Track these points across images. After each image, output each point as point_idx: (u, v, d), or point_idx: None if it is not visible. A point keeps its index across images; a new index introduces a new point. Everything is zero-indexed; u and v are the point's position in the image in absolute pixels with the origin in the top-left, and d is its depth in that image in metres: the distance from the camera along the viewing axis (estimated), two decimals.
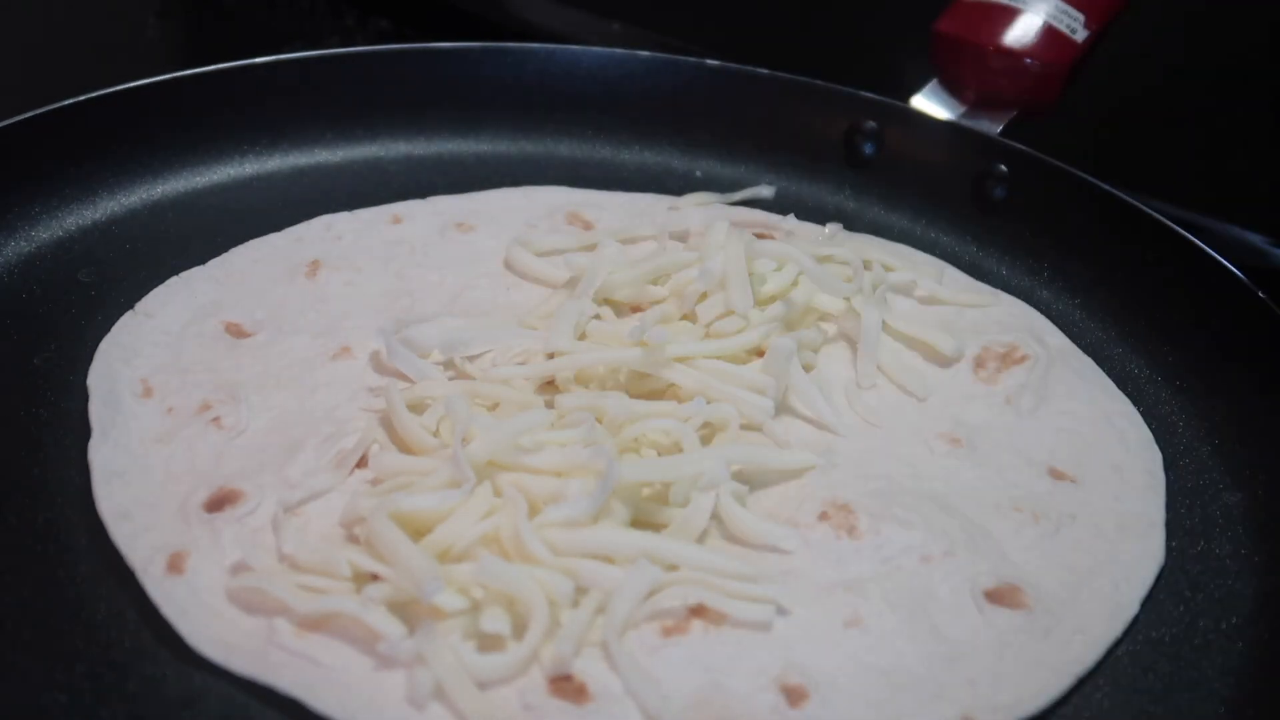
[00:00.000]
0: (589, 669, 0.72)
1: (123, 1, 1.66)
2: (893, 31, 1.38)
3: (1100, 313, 1.06)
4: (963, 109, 1.22)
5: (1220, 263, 1.01)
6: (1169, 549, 0.84)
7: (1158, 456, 0.91)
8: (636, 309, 0.99)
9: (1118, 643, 0.78)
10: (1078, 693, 0.75)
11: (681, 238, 1.07)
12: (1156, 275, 1.05)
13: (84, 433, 0.85)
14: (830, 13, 1.46)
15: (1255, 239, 1.28)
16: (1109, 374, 0.99)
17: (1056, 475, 0.88)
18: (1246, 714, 0.74)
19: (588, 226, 1.11)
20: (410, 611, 0.73)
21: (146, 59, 1.54)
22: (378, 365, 0.92)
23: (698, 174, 1.22)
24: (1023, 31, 1.20)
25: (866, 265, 1.02)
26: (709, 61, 1.25)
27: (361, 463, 0.84)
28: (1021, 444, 0.91)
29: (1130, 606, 0.80)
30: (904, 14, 1.30)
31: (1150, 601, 0.81)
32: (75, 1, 1.65)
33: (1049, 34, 1.20)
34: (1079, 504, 0.86)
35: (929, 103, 1.23)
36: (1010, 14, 1.21)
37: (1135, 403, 0.96)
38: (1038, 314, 1.04)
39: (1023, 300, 1.06)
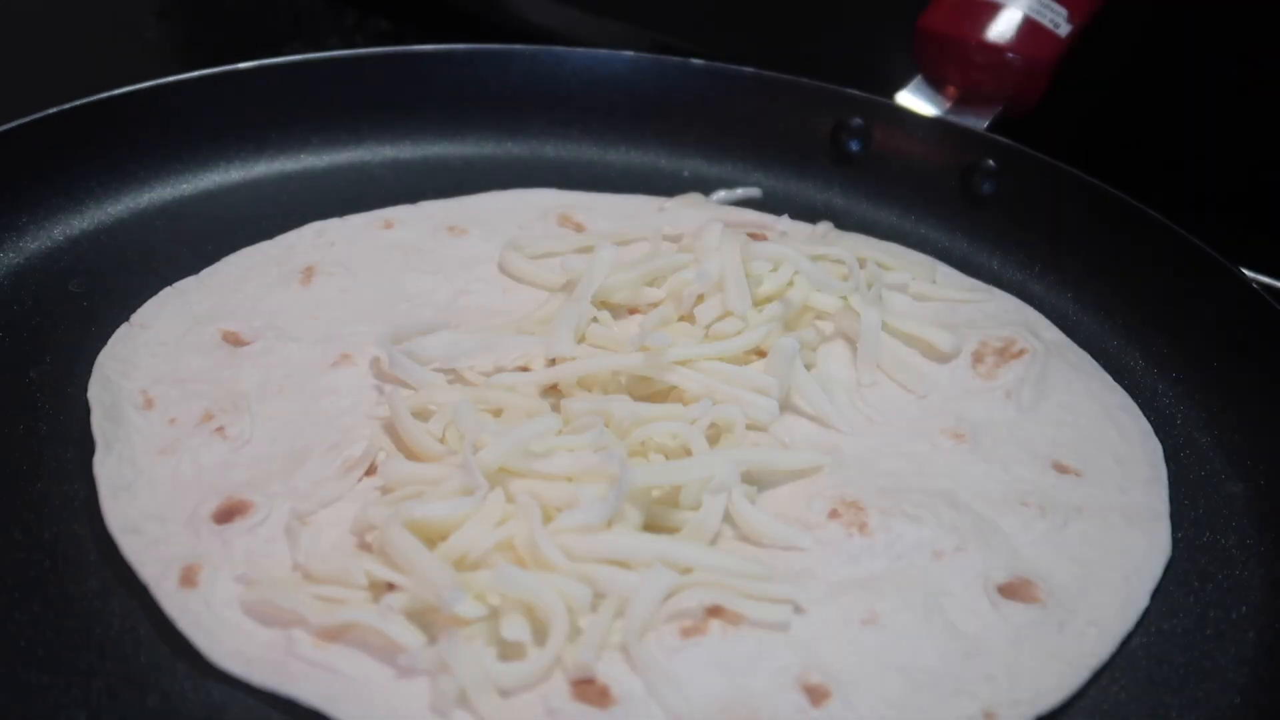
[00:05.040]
0: (611, 672, 0.72)
1: (122, 2, 1.64)
2: (876, 28, 1.38)
3: (1094, 306, 1.07)
4: (947, 105, 1.23)
5: (1210, 254, 1.02)
6: (1175, 541, 0.85)
7: (1158, 448, 0.92)
8: (634, 311, 0.99)
9: (1131, 635, 0.79)
10: (1095, 686, 0.76)
11: (675, 239, 1.07)
12: (1148, 267, 1.05)
13: (85, 446, 0.84)
14: (813, 10, 1.45)
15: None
16: (1105, 367, 0.99)
17: (1060, 469, 0.89)
18: (1262, 701, 0.75)
19: (579, 228, 1.11)
20: (428, 619, 0.73)
21: (146, 60, 1.53)
22: (379, 372, 0.92)
23: (685, 173, 1.22)
24: (1005, 27, 1.21)
25: (861, 263, 1.02)
26: (694, 61, 1.25)
27: (369, 470, 0.83)
28: (1024, 438, 0.91)
29: (1141, 598, 0.81)
30: (887, 10, 1.30)
31: (1160, 593, 0.82)
32: (75, 2, 1.63)
33: (1032, 29, 1.20)
34: (1084, 497, 0.87)
35: (913, 99, 1.23)
36: (993, 9, 1.21)
37: (1133, 395, 0.97)
38: (1031, 309, 1.05)
39: (1015, 295, 1.06)
